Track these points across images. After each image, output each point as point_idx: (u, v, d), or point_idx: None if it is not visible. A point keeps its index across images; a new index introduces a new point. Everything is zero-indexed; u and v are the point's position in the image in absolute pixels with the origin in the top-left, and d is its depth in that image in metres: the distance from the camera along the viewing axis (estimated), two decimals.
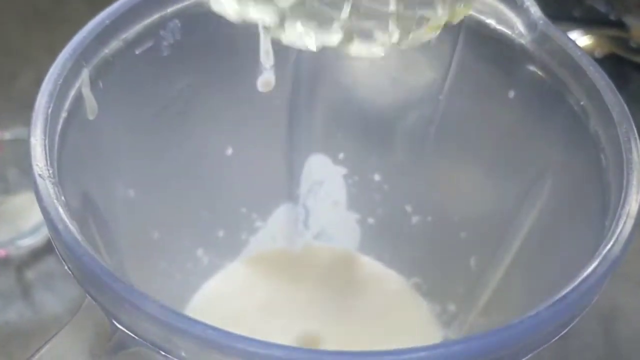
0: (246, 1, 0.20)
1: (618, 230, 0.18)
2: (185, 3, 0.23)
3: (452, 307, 0.30)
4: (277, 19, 0.20)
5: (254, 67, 0.26)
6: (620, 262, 0.17)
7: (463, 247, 0.28)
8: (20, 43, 0.42)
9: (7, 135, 0.36)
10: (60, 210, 0.16)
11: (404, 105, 0.27)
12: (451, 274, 0.29)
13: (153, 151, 0.25)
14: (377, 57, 0.20)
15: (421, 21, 0.20)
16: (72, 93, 0.20)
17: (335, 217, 0.32)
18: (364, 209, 0.31)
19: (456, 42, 0.24)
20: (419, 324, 0.31)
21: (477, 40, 0.24)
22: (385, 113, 0.28)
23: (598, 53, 0.38)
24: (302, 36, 0.20)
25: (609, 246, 0.17)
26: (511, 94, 0.24)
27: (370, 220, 0.32)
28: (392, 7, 0.19)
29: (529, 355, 0.16)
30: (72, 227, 0.16)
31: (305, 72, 0.27)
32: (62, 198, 0.17)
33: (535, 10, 0.22)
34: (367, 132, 0.29)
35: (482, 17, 0.23)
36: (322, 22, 0.19)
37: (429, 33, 0.21)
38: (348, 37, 0.20)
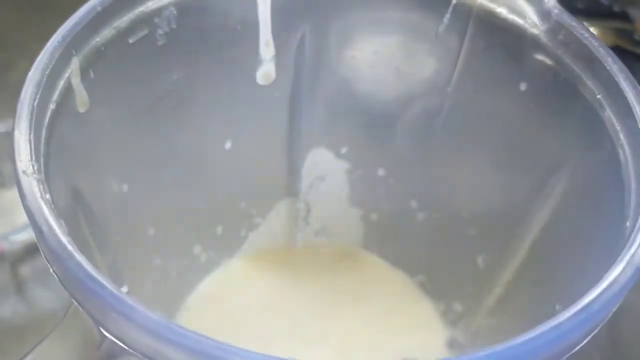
0: None
1: None
2: None
3: (458, 307, 0.29)
4: None
5: (254, 58, 0.25)
6: None
7: (471, 245, 0.28)
8: (15, 33, 0.42)
9: (1, 127, 0.35)
10: (45, 209, 0.15)
11: (410, 97, 0.27)
12: (458, 272, 0.29)
13: (147, 145, 0.24)
14: None
15: None
16: (61, 83, 0.19)
17: (337, 213, 0.31)
18: (367, 204, 0.31)
19: (465, 31, 0.23)
20: (423, 323, 0.30)
21: (487, 29, 0.23)
22: (389, 105, 0.27)
23: None
24: None
25: (632, 250, 0.16)
26: (523, 86, 0.23)
27: (374, 217, 0.31)
28: None
29: None
30: (58, 228, 0.15)
31: (307, 63, 0.26)
32: (48, 196, 0.16)
33: None
34: (371, 125, 0.28)
35: (493, 6, 0.23)
36: None
37: None
38: None
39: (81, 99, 0.20)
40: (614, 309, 0.16)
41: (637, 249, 0.16)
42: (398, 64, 0.26)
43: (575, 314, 0.15)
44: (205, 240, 0.29)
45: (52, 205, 0.16)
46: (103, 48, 0.21)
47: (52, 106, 0.19)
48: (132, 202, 0.24)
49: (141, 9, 0.21)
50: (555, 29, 0.21)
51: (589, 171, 0.21)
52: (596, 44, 0.20)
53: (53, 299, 0.31)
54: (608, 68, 0.20)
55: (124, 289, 0.23)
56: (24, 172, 0.16)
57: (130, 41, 0.21)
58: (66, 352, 0.16)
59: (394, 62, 0.26)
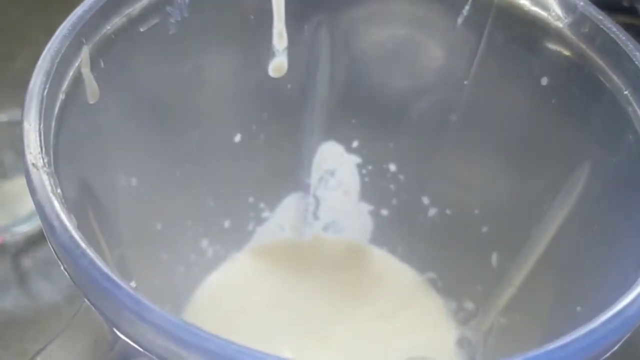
0: None
1: None
2: None
3: (469, 305, 0.29)
4: None
5: (266, 49, 0.24)
6: None
7: (484, 243, 0.27)
8: (18, 22, 0.41)
9: (3, 117, 0.35)
10: (56, 204, 0.15)
11: (425, 91, 0.26)
12: (470, 270, 0.28)
13: (157, 137, 0.24)
14: None
15: None
16: (71, 73, 0.19)
17: (346, 207, 0.31)
18: (377, 199, 0.30)
19: (485, 23, 0.23)
20: (432, 321, 0.30)
21: (508, 22, 0.23)
22: (403, 99, 0.27)
23: None
24: None
25: None
26: (544, 80, 0.23)
27: (384, 212, 0.30)
28: None
29: None
30: (69, 224, 0.15)
31: (320, 55, 0.26)
32: (59, 190, 0.15)
33: None
34: (383, 119, 0.28)
35: None
36: None
37: None
38: None
39: (91, 89, 0.19)
40: None
41: None
42: (414, 56, 0.26)
43: (609, 319, 0.14)
44: (212, 235, 0.29)
45: (63, 200, 0.15)
46: (113, 37, 0.20)
47: (61, 96, 0.18)
48: (140, 196, 0.24)
49: None
50: (580, 22, 0.21)
51: (611, 169, 0.21)
52: (624, 37, 0.20)
53: (54, 291, 0.31)
54: (637, 63, 0.19)
55: (133, 284, 0.22)
56: (33, 164, 0.16)
57: (141, 30, 0.21)
58: (76, 353, 0.15)
59: (410, 54, 0.26)
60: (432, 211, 0.29)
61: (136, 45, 0.21)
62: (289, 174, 0.30)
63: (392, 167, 0.29)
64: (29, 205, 0.31)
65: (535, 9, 0.22)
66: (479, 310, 0.28)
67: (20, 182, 0.33)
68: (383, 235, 0.31)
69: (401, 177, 0.29)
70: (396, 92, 0.27)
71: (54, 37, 0.18)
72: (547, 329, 0.23)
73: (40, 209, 0.15)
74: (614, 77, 0.20)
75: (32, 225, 0.32)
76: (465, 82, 0.25)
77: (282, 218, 0.31)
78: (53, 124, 0.17)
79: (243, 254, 0.31)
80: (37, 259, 0.32)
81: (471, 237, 0.28)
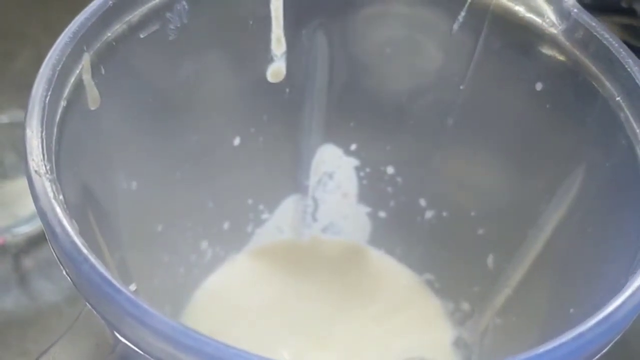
0: None
1: None
2: None
3: (466, 306, 0.29)
4: None
5: (265, 54, 0.24)
6: None
7: (480, 244, 0.27)
8: (18, 22, 0.41)
9: (4, 118, 0.35)
10: (59, 211, 0.15)
11: (422, 95, 0.26)
12: (466, 271, 0.29)
13: (157, 141, 0.24)
14: None
15: None
16: (72, 80, 0.19)
17: (345, 210, 0.31)
18: (375, 202, 0.31)
19: (481, 29, 0.23)
20: (430, 322, 0.30)
21: (503, 28, 0.23)
22: (401, 102, 0.27)
23: None
24: None
25: None
26: (539, 86, 0.23)
27: (382, 214, 0.31)
28: None
29: None
30: (71, 230, 0.15)
31: (318, 59, 0.26)
32: (61, 197, 0.16)
33: None
34: (382, 122, 0.28)
35: (510, 4, 0.22)
36: None
37: None
38: None
39: (92, 95, 0.19)
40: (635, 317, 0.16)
41: None
42: (411, 61, 0.26)
43: (598, 323, 0.14)
44: (212, 236, 0.29)
45: (65, 206, 0.16)
46: (114, 43, 0.20)
47: (63, 103, 0.18)
48: (140, 199, 0.24)
49: (153, 3, 0.21)
50: (574, 28, 0.21)
51: (605, 173, 0.21)
52: (616, 44, 0.20)
53: (55, 291, 0.31)
54: (629, 69, 0.20)
55: (133, 286, 0.22)
56: (36, 172, 0.16)
57: (142, 36, 0.21)
58: (78, 356, 0.15)
59: (407, 59, 0.26)
60: (430, 213, 0.29)
61: (136, 52, 0.21)
62: (287, 176, 0.30)
63: (390, 170, 0.29)
64: (29, 206, 0.31)
65: (529, 15, 0.22)
66: (475, 311, 0.28)
67: (21, 183, 0.34)
68: (381, 236, 0.31)
69: (399, 179, 0.29)
70: (393, 95, 0.27)
71: (55, 45, 0.18)
72: (543, 330, 0.23)
73: (43, 216, 0.15)
74: (607, 83, 0.20)
75: (33, 226, 0.32)
76: (461, 87, 0.25)
77: (281, 220, 0.31)
78: (55, 130, 0.18)
79: (242, 256, 0.31)
80: (38, 259, 0.32)
81: (468, 238, 0.28)
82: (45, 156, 0.16)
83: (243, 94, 0.26)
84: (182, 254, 0.28)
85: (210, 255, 0.30)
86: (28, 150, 0.16)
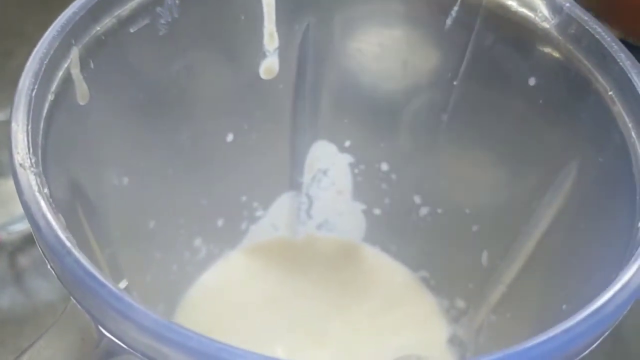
0: None
1: None
2: None
3: (460, 303, 0.29)
4: None
5: (257, 50, 0.24)
6: None
7: (474, 241, 0.27)
8: (16, 20, 0.41)
9: (1, 116, 0.35)
10: (43, 204, 0.15)
11: (415, 91, 0.26)
12: (461, 268, 0.28)
13: (148, 137, 0.24)
14: None
15: None
16: (60, 74, 0.19)
17: (339, 206, 0.31)
18: (370, 199, 0.30)
19: (473, 24, 0.23)
20: (425, 318, 0.30)
21: (496, 23, 0.23)
22: (395, 99, 0.27)
23: None
24: None
25: None
26: (532, 81, 0.23)
27: (377, 211, 0.31)
28: None
29: None
30: (56, 224, 0.15)
31: (311, 55, 0.26)
32: (46, 190, 0.16)
33: None
34: (376, 118, 0.28)
35: None
36: None
37: None
38: None
39: (81, 90, 0.19)
40: (625, 312, 0.16)
41: None
42: (404, 57, 0.26)
43: (587, 317, 0.14)
44: (206, 233, 0.29)
45: (50, 200, 0.16)
46: (103, 37, 0.20)
47: (50, 97, 0.18)
48: (132, 195, 0.24)
49: None
50: (567, 23, 0.21)
51: (598, 168, 0.21)
52: (609, 39, 0.20)
53: (51, 289, 0.31)
54: (621, 64, 0.20)
55: (124, 283, 0.22)
56: (20, 165, 0.16)
57: (132, 31, 0.21)
58: (64, 350, 0.15)
59: (400, 55, 0.26)
60: (424, 210, 0.29)
61: (126, 46, 0.21)
62: (282, 173, 0.30)
63: (384, 167, 0.29)
64: None
65: (522, 10, 0.22)
66: (470, 308, 0.28)
67: None
68: (376, 233, 0.31)
69: (393, 176, 0.29)
70: (387, 92, 0.27)
71: (43, 38, 0.18)
72: (537, 326, 0.23)
73: (27, 209, 0.15)
74: (600, 78, 0.20)
75: (28, 224, 0.32)
76: (454, 83, 0.25)
77: (276, 217, 0.31)
78: (42, 124, 0.18)
79: (236, 253, 0.31)
80: (34, 257, 0.32)
81: (462, 235, 0.28)
82: (31, 149, 0.16)
83: (235, 89, 0.25)
84: (176, 251, 0.28)
85: (204, 253, 0.30)
86: (13, 144, 0.16)
